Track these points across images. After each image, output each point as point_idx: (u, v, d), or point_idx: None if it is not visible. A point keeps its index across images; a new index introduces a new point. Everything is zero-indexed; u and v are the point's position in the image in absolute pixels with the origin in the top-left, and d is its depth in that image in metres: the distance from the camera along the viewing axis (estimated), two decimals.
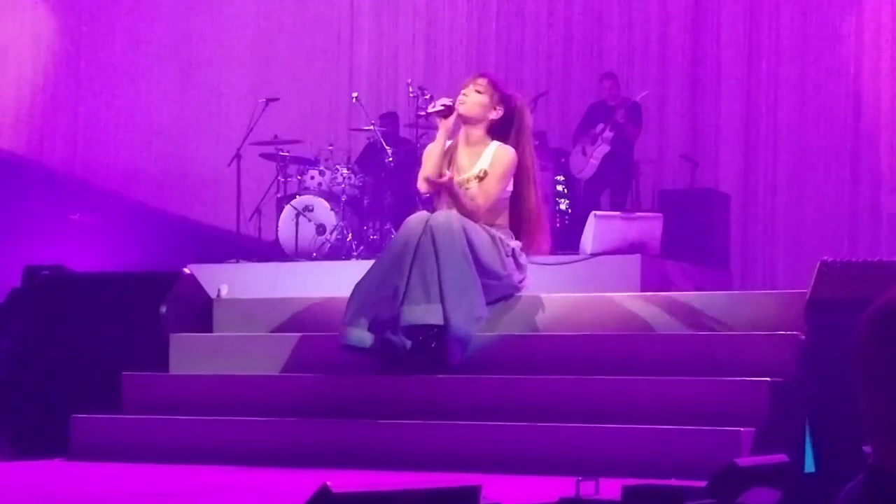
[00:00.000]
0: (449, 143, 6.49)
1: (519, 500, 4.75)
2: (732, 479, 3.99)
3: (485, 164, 6.36)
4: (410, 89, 11.38)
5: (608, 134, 11.51)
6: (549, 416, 5.71)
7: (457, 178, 6.34)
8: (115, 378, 6.51)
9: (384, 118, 12.04)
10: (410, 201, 10.42)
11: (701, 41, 13.19)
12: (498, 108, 6.42)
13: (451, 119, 6.39)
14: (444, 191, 6.30)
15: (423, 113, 7.01)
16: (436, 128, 6.64)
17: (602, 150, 11.51)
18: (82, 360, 6.75)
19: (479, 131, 6.43)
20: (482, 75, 6.62)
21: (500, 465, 5.55)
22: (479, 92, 6.41)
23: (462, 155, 6.44)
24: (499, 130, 6.45)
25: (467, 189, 6.33)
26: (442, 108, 6.43)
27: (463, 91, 6.45)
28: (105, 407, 6.43)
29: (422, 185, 6.46)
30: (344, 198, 10.73)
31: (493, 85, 6.46)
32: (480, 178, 6.33)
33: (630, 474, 5.13)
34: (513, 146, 6.40)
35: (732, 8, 13.05)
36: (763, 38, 12.91)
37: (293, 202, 10.67)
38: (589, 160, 11.54)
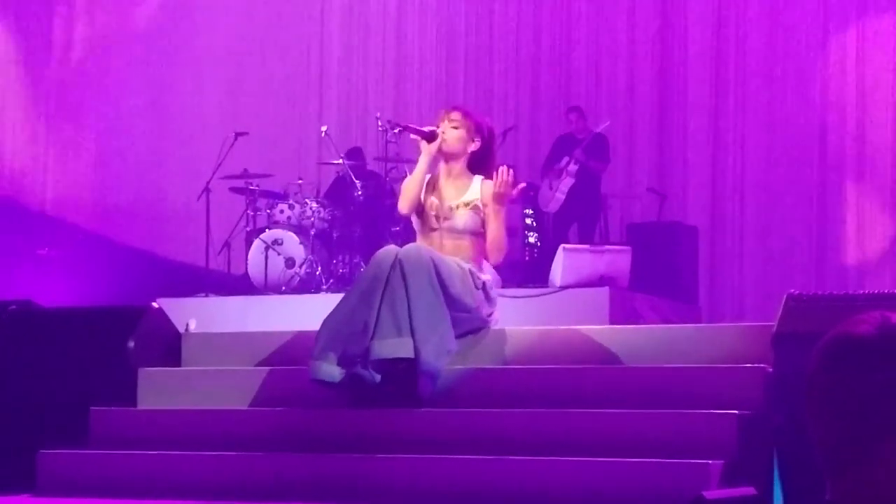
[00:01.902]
0: (427, 176, 6.54)
1: None
2: None
3: (473, 195, 6.40)
4: (379, 123, 11.41)
5: (573, 167, 11.54)
6: (519, 449, 5.72)
7: (444, 205, 6.42)
8: (82, 413, 6.47)
9: (349, 153, 12.06)
10: (380, 235, 10.44)
11: (668, 75, 13.27)
12: (476, 139, 6.50)
13: (435, 146, 6.43)
14: (503, 204, 6.33)
15: (404, 126, 6.96)
16: (404, 160, 6.69)
17: (567, 183, 11.54)
18: (50, 395, 6.71)
19: (460, 165, 6.49)
20: (455, 109, 6.67)
21: (469, 498, 5.55)
22: (455, 128, 6.46)
23: (446, 187, 6.49)
24: (474, 157, 6.52)
25: (455, 215, 6.38)
26: (427, 131, 6.48)
27: (440, 128, 6.48)
28: (72, 442, 6.40)
29: (403, 207, 6.51)
30: (313, 231, 10.73)
31: (468, 117, 6.54)
32: (467, 206, 6.38)
33: None
34: (488, 170, 6.47)
35: (700, 42, 13.15)
36: (730, 72, 13.01)
37: (262, 236, 10.68)
38: (555, 194, 11.57)
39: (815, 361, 1.78)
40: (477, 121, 6.58)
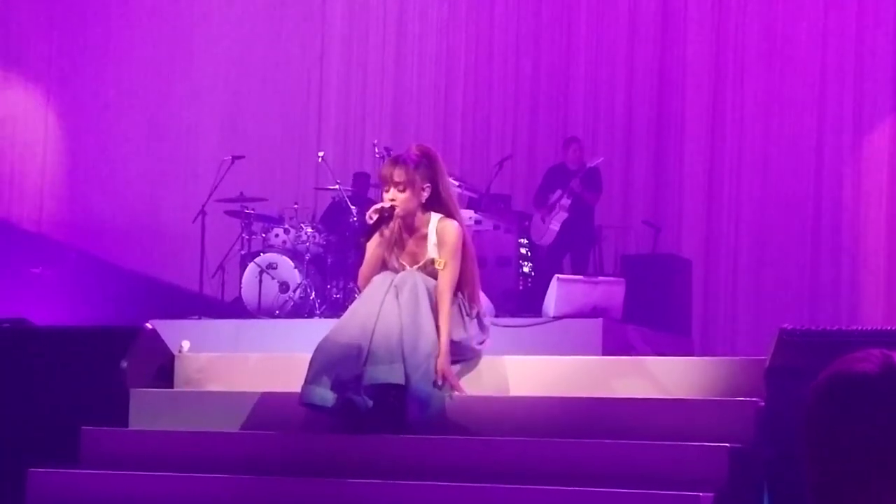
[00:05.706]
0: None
1: None
2: None
3: (431, 252, 6.27)
4: (377, 150, 11.43)
5: (566, 201, 11.55)
6: (509, 478, 5.71)
7: (413, 267, 6.23)
8: (73, 432, 6.46)
9: (357, 177, 12.12)
10: None
11: (665, 108, 13.31)
12: (425, 187, 6.22)
13: (392, 222, 6.20)
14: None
15: (365, 238, 6.34)
16: None
17: (560, 217, 11.55)
18: (41, 414, 6.70)
19: (416, 215, 6.28)
20: (395, 164, 6.24)
21: None
22: (402, 189, 6.17)
23: (408, 241, 6.32)
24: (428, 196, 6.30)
25: (431, 267, 6.23)
26: (376, 215, 6.15)
27: (386, 194, 6.22)
28: (63, 461, 6.39)
29: (363, 284, 6.31)
30: (308, 256, 10.74)
31: (410, 170, 6.19)
32: (433, 263, 6.22)
33: None
34: (435, 189, 6.27)
35: (697, 75, 13.19)
36: (727, 106, 13.05)
37: (257, 259, 10.68)
38: (548, 227, 11.57)
39: (813, 397, 1.75)
40: (418, 164, 6.20)
